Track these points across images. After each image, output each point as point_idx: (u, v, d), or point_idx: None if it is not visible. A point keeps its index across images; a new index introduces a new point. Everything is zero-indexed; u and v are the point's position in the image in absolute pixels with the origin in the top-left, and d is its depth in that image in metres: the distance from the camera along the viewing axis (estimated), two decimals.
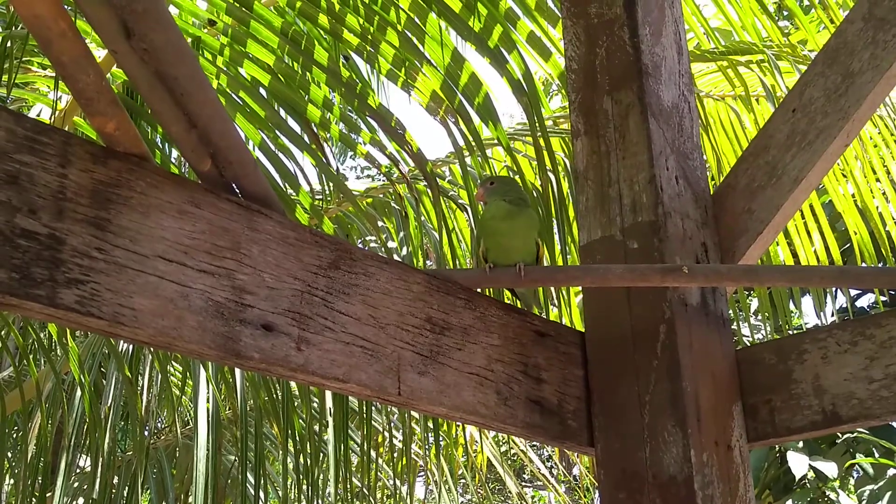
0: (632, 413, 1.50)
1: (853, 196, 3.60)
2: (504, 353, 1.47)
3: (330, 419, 3.07)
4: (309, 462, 3.19)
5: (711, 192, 1.74)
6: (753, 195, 1.66)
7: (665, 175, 1.61)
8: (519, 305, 1.71)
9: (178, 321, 1.08)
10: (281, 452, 3.39)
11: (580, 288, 2.50)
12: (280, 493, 3.83)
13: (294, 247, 1.24)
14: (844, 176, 3.61)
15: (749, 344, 1.72)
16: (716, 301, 1.60)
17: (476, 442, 4.76)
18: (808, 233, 3.63)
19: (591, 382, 1.57)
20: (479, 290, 1.49)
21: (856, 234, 3.58)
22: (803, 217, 3.61)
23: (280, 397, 3.14)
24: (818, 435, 1.48)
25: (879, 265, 3.75)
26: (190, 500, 3.11)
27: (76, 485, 4.00)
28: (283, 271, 1.21)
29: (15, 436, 3.60)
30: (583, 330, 1.63)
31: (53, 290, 0.99)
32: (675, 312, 1.50)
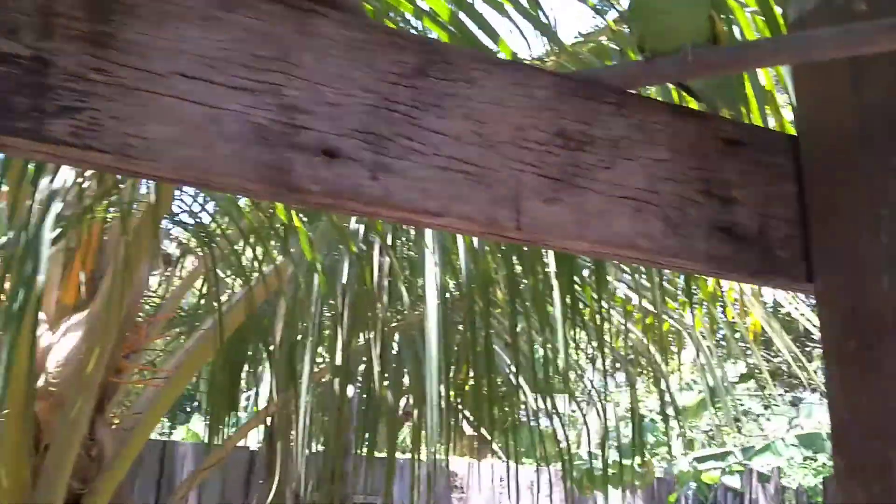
0: (864, 234, 1.09)
1: None
2: (675, 169, 1.12)
3: (554, 283, 2.83)
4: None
5: None
6: None
7: None
8: (696, 107, 1.32)
9: (206, 150, 0.87)
10: (508, 322, 3.23)
11: None
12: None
13: (364, 51, 0.97)
14: None
15: None
16: None
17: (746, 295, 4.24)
18: None
19: (808, 200, 1.18)
20: (634, 91, 1.14)
21: None
22: None
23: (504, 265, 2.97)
24: None
25: None
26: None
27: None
28: (348, 83, 0.95)
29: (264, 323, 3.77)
30: (794, 134, 1.23)
31: (40, 122, 0.82)
32: None
